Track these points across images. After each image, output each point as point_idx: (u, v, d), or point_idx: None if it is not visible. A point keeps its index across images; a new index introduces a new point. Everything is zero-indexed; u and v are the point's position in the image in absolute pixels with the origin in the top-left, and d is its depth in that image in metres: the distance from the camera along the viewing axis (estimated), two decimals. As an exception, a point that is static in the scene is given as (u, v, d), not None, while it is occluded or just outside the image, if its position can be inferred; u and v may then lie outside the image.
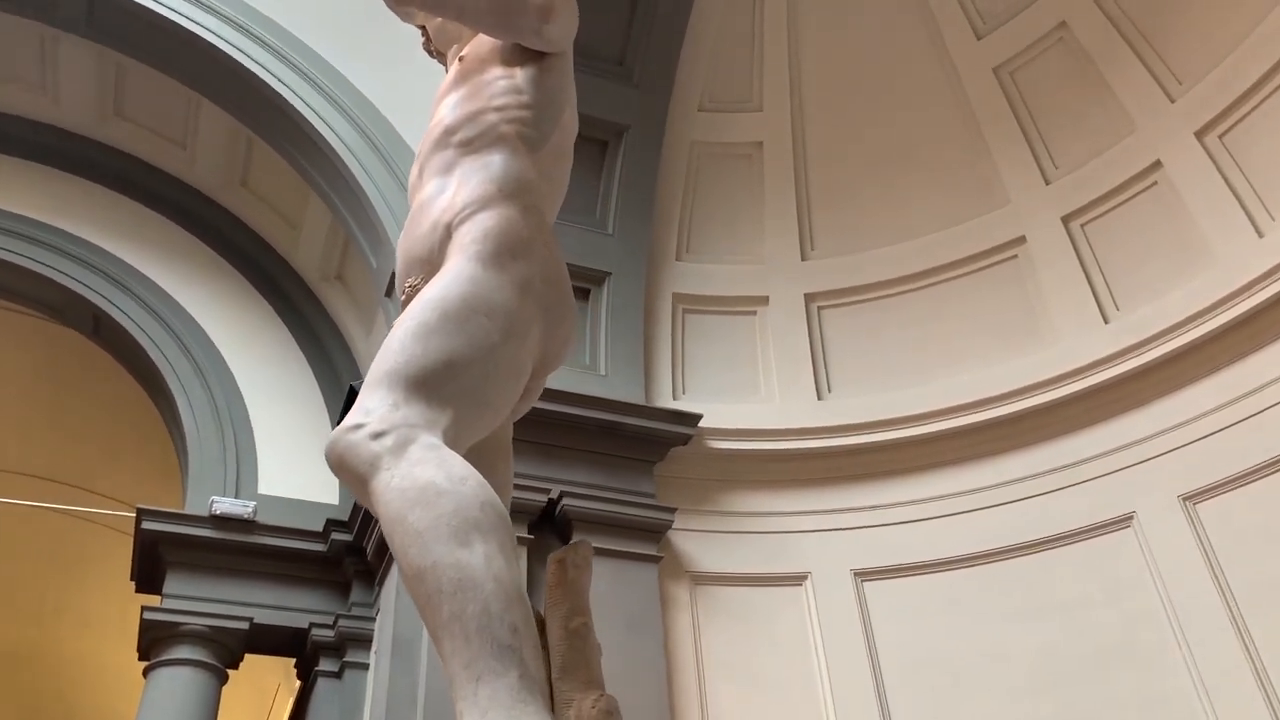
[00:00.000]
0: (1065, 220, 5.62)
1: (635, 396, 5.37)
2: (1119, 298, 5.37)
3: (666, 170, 6.04)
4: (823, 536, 5.26)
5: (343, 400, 6.09)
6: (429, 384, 1.85)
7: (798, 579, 5.16)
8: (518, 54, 2.60)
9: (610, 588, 4.77)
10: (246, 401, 6.47)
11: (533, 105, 2.52)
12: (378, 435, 1.72)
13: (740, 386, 5.79)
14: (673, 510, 5.06)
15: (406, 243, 2.42)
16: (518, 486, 4.82)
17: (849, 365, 5.85)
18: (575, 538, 4.83)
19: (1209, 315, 4.97)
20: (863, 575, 5.14)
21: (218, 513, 5.70)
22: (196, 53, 6.17)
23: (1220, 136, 5.26)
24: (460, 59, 2.71)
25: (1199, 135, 5.26)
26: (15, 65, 6.60)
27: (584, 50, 5.81)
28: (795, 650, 4.95)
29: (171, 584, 5.62)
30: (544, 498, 4.84)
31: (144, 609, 5.51)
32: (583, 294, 5.65)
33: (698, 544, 5.16)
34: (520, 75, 2.57)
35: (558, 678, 1.99)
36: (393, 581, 4.95)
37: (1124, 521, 4.85)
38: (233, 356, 6.64)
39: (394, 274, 3.17)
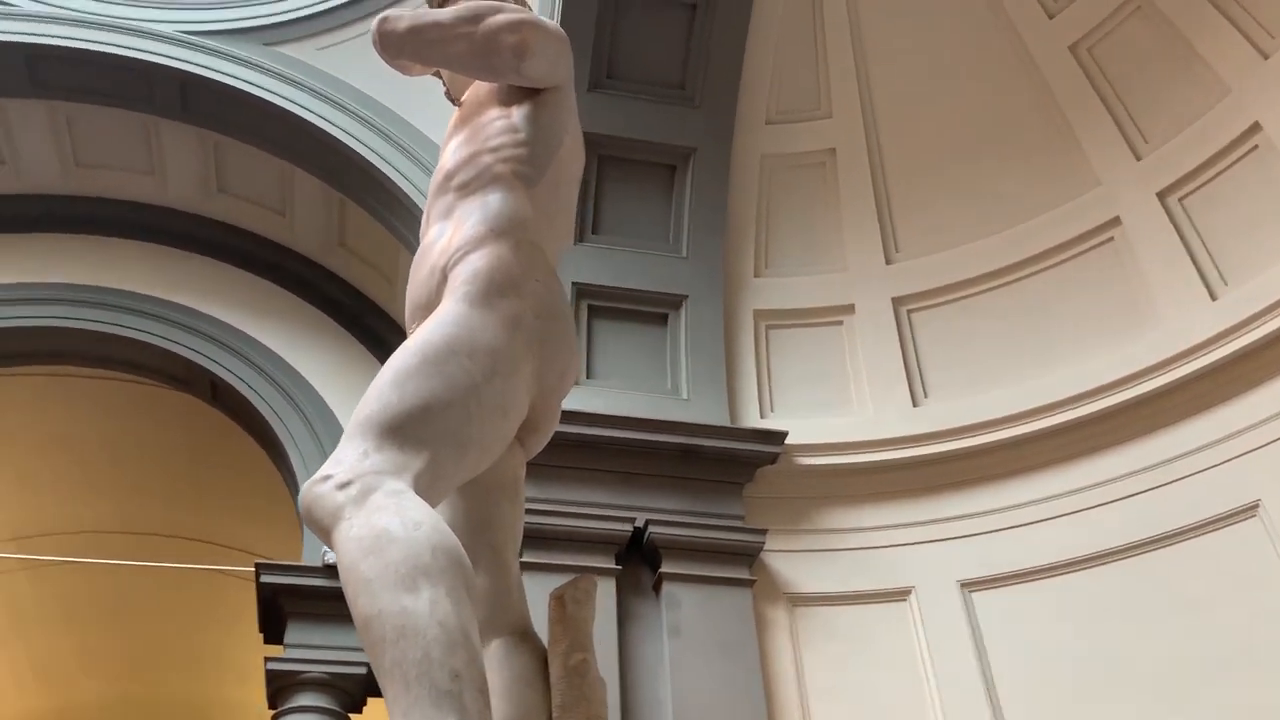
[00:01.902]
0: (1161, 196, 5.31)
1: (719, 418, 5.31)
2: (1226, 272, 5.03)
3: (737, 188, 5.98)
4: (925, 549, 5.07)
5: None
6: (403, 430, 1.87)
7: (901, 594, 4.98)
8: (513, 93, 2.63)
9: (703, 614, 4.73)
10: (355, 453, 6.68)
11: (528, 142, 2.54)
12: (343, 485, 1.74)
13: (831, 400, 5.65)
14: (763, 532, 4.96)
15: (410, 289, 2.47)
16: (601, 518, 4.85)
17: (944, 368, 5.65)
18: (664, 566, 4.80)
19: (1327, 281, 4.61)
20: (970, 586, 4.92)
21: (330, 562, 5.89)
22: (283, 124, 6.50)
23: (1324, 89, 4.90)
24: (459, 103, 2.76)
25: (1299, 90, 4.91)
26: (125, 154, 7.05)
27: (642, 78, 5.91)
28: (902, 668, 4.77)
29: (292, 633, 5.83)
30: (629, 527, 4.82)
31: (267, 659, 5.74)
32: (660, 319, 5.65)
33: (793, 565, 5.05)
34: (516, 114, 2.59)
35: (558, 716, 1.98)
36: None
37: (1248, 511, 4.51)
38: (341, 410, 6.88)
39: None
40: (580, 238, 5.74)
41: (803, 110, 6.08)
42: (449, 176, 2.53)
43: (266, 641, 6.21)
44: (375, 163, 6.32)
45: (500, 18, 2.46)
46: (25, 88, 6.52)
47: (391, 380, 1.95)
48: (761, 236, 6.04)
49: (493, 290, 2.19)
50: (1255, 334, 4.73)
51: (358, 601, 1.58)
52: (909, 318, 5.82)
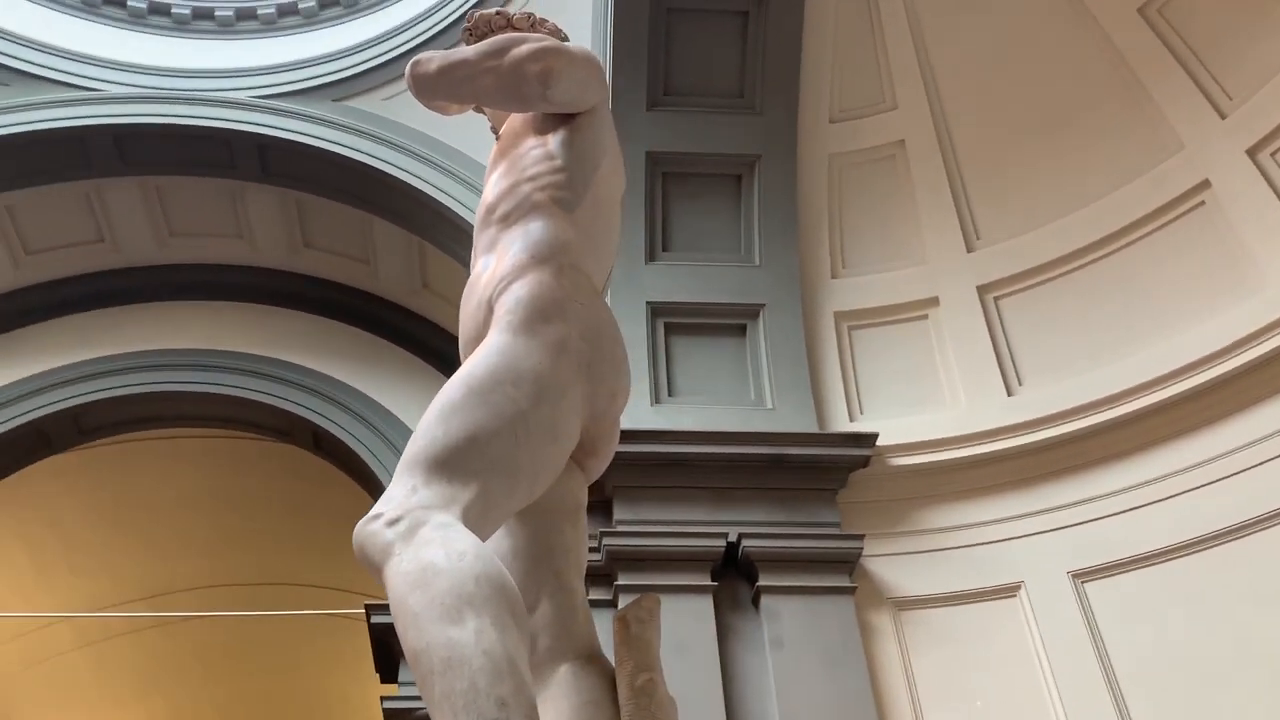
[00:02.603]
0: (1251, 153, 5.06)
1: (807, 425, 5.23)
2: (1330, 225, 4.76)
3: (807, 190, 5.91)
4: (1032, 541, 4.89)
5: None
6: (450, 463, 1.88)
7: (1010, 590, 4.81)
8: (547, 121, 2.64)
9: (805, 625, 4.65)
10: (453, 489, 6.79)
11: (565, 168, 2.54)
12: (393, 522, 1.76)
13: (922, 396, 5.52)
14: (861, 537, 4.86)
15: (461, 324, 2.50)
16: (693, 535, 4.82)
17: (1038, 354, 5.47)
18: (761, 579, 4.74)
19: None
20: (1081, 576, 4.73)
21: (437, 599, 5.97)
22: (356, 175, 6.68)
23: None
24: (498, 136, 2.79)
25: (1390, 26, 4.63)
26: (215, 220, 7.33)
27: (701, 91, 5.90)
28: (1018, 666, 4.60)
29: (406, 671, 5.93)
30: (722, 542, 4.77)
31: (383, 699, 5.84)
32: (739, 330, 5.60)
33: (895, 568, 4.93)
34: (552, 141, 2.60)
35: (627, 737, 1.95)
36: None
37: (1375, 476, 4.25)
38: (436, 448, 6.99)
39: None
40: (651, 256, 5.74)
41: (866, 105, 5.99)
42: (490, 210, 2.56)
43: (383, 681, 6.33)
44: (447, 203, 6.44)
45: (523, 48, 2.48)
46: (118, 166, 6.85)
47: (437, 415, 1.96)
48: (836, 237, 5.95)
49: (535, 317, 2.20)
50: (1367, 287, 4.46)
51: (407, 636, 1.59)
52: (996, 305, 5.66)
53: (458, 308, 7.63)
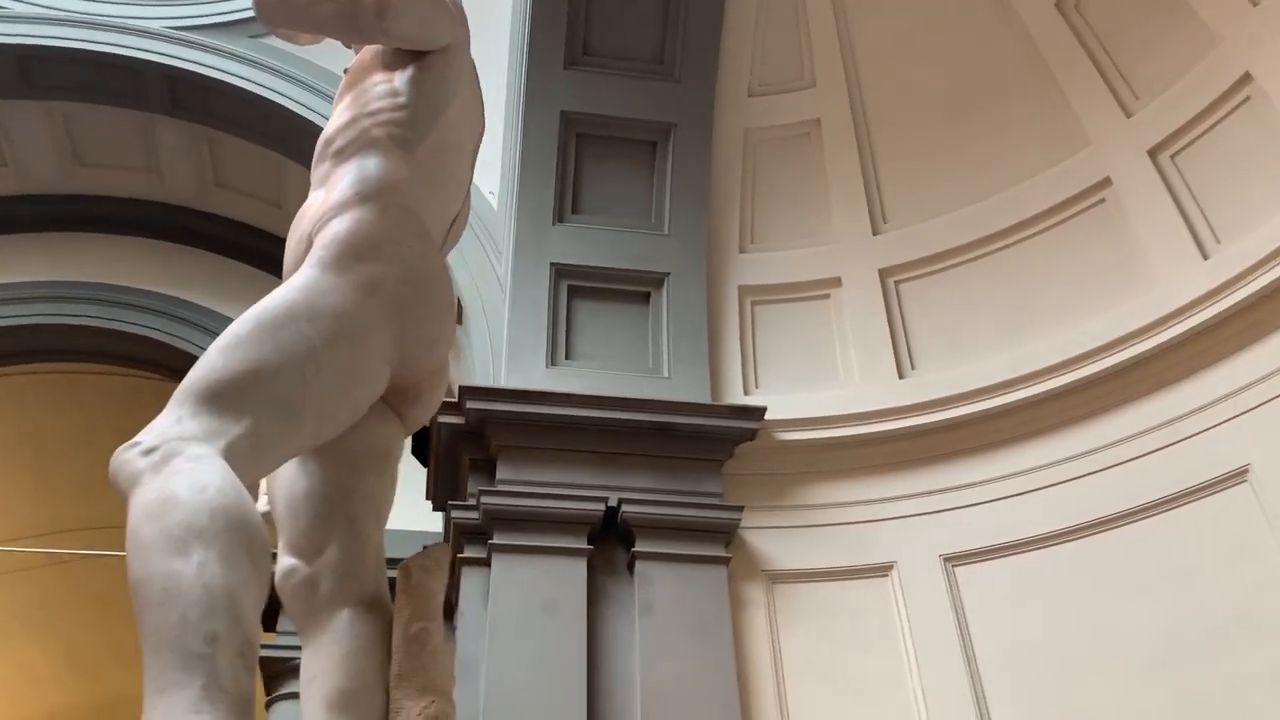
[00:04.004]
0: (1152, 154, 5.10)
1: (700, 396, 5.22)
2: (1219, 230, 4.82)
3: (720, 162, 5.87)
4: (908, 523, 4.94)
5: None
6: (222, 396, 1.82)
7: (882, 570, 4.86)
8: (397, 57, 2.58)
9: (676, 592, 4.66)
10: (351, 441, 6.71)
11: (408, 105, 2.49)
12: (148, 451, 1.71)
13: (817, 374, 5.53)
14: (739, 509, 4.86)
15: (285, 258, 2.43)
16: (573, 498, 4.79)
17: (932, 339, 5.50)
18: (638, 544, 4.73)
19: (1320, 235, 4.39)
20: (953, 560, 4.78)
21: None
22: (270, 115, 6.53)
23: (1318, 34, 4.66)
24: (345, 70, 2.72)
25: (1290, 36, 4.68)
26: (123, 152, 7.14)
27: (619, 54, 5.82)
28: (883, 646, 4.65)
29: (285, 621, 5.86)
30: (602, 506, 4.75)
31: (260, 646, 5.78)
32: (642, 298, 5.56)
33: (772, 541, 4.95)
34: (398, 78, 2.54)
35: (394, 685, 1.92)
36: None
37: (1238, 477, 4.32)
38: (338, 399, 6.90)
39: None
40: (559, 218, 5.68)
41: (785, 81, 5.95)
42: (328, 143, 2.49)
43: (266, 630, 6.26)
44: (360, 150, 6.31)
45: (361, -23, 2.40)
46: (20, 89, 6.63)
47: (220, 347, 1.90)
48: (746, 211, 5.93)
49: (348, 254, 2.15)
50: (1246, 290, 4.52)
51: (132, 566, 1.55)
52: (896, 288, 5.68)
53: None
